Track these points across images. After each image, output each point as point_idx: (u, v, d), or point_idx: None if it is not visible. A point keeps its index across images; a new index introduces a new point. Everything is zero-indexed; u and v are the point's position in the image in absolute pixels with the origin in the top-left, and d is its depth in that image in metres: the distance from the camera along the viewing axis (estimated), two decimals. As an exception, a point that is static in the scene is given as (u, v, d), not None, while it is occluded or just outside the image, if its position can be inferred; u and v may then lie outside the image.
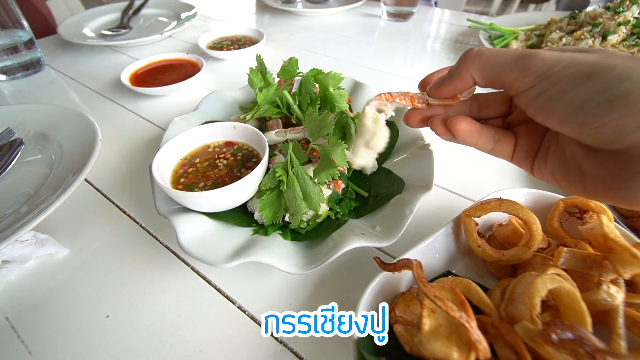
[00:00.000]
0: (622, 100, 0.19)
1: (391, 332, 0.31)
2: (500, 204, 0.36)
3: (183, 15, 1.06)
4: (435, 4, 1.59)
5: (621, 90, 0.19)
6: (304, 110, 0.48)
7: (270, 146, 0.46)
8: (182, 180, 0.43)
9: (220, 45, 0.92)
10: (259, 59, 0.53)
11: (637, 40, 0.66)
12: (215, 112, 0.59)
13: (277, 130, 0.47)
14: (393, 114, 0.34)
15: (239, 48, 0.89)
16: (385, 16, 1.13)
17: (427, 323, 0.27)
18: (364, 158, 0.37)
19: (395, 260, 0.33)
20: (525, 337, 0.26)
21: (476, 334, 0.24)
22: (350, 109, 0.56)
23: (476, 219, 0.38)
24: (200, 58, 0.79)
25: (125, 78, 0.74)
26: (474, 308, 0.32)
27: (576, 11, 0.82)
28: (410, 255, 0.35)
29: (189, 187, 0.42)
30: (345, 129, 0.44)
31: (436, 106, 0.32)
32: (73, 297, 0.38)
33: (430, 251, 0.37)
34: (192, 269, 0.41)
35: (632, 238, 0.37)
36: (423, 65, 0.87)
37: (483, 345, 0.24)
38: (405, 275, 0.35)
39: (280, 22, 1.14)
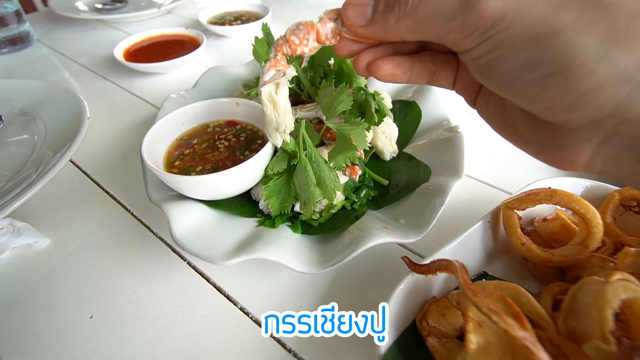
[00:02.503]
0: (558, 77, 0.17)
1: (422, 345, 0.26)
2: (551, 194, 0.31)
3: (182, -12, 0.98)
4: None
5: (559, 66, 0.17)
6: (316, 86, 0.42)
7: (277, 126, 0.40)
8: (177, 163, 0.37)
9: (223, 20, 0.85)
10: (265, 27, 0.47)
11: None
12: (215, 90, 0.53)
13: (285, 108, 0.41)
14: (294, 73, 0.28)
15: (243, 24, 0.82)
16: None
17: (473, 340, 0.22)
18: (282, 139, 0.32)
19: (427, 261, 0.28)
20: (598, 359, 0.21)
21: (544, 358, 0.19)
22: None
23: (519, 213, 0.33)
24: (200, 33, 0.73)
25: (118, 53, 0.68)
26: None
27: None
28: (442, 254, 0.30)
29: (185, 171, 0.36)
30: (364, 108, 0.39)
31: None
32: (53, 295, 0.34)
33: (463, 249, 0.32)
34: (189, 264, 0.36)
35: None
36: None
37: (551, 373, 0.19)
38: (437, 278, 0.30)
39: None
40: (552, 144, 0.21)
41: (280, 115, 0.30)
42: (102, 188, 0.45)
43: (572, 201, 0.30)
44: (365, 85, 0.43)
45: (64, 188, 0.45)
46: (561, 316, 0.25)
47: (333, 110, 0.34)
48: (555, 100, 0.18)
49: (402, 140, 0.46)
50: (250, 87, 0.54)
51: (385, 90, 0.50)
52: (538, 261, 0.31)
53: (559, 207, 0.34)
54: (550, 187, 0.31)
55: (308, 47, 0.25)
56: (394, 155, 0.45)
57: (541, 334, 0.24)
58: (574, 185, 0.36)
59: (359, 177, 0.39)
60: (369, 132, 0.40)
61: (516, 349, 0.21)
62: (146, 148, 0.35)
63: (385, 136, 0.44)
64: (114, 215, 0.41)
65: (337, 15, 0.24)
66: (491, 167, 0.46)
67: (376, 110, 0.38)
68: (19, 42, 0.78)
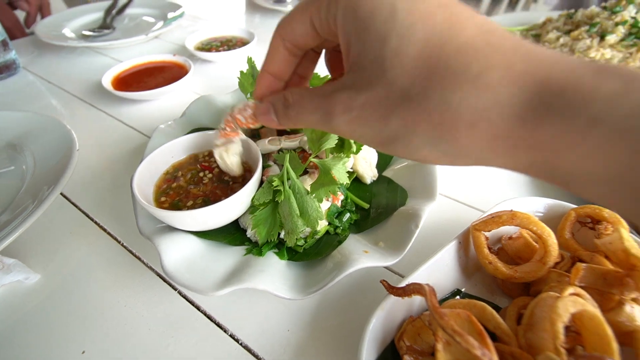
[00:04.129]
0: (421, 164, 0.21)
1: (400, 363, 0.28)
2: (512, 217, 0.34)
3: (170, 15, 1.01)
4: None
5: (415, 159, 0.20)
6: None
7: (263, 156, 0.42)
8: (163, 199, 0.39)
9: (209, 46, 0.88)
10: (250, 61, 0.50)
11: (635, 40, 0.65)
12: (203, 119, 0.56)
13: (270, 138, 0.44)
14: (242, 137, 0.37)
15: (229, 49, 0.85)
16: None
17: (442, 358, 0.25)
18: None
19: (404, 284, 0.30)
20: (550, 372, 0.24)
21: (501, 374, 0.22)
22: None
23: (486, 233, 0.36)
24: (187, 60, 0.75)
25: (107, 82, 0.69)
26: (489, 334, 0.29)
27: (573, 10, 0.81)
28: (417, 275, 0.32)
29: (176, 205, 0.38)
30: (344, 138, 0.41)
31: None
32: (44, 330, 0.34)
33: (438, 269, 0.35)
34: (180, 293, 0.37)
35: (649, 250, 0.35)
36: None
37: (508, 385, 0.22)
38: (415, 298, 0.32)
39: (272, 22, 1.10)
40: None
41: (229, 167, 0.39)
42: (92, 219, 0.46)
43: (530, 223, 0.33)
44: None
45: (53, 220, 0.45)
46: (521, 330, 0.28)
47: (318, 146, 0.37)
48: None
49: (382, 164, 0.49)
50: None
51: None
52: (504, 278, 0.34)
53: (521, 227, 0.37)
54: (511, 210, 0.35)
55: (252, 124, 0.30)
56: (374, 179, 0.48)
57: (504, 348, 0.27)
58: (536, 204, 0.40)
59: (342, 201, 0.42)
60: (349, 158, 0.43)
61: (479, 364, 0.24)
62: (137, 184, 0.36)
63: (365, 161, 0.47)
64: (104, 247, 0.42)
65: None
66: (465, 186, 0.50)
67: (355, 140, 0.42)
68: (4, 70, 0.78)
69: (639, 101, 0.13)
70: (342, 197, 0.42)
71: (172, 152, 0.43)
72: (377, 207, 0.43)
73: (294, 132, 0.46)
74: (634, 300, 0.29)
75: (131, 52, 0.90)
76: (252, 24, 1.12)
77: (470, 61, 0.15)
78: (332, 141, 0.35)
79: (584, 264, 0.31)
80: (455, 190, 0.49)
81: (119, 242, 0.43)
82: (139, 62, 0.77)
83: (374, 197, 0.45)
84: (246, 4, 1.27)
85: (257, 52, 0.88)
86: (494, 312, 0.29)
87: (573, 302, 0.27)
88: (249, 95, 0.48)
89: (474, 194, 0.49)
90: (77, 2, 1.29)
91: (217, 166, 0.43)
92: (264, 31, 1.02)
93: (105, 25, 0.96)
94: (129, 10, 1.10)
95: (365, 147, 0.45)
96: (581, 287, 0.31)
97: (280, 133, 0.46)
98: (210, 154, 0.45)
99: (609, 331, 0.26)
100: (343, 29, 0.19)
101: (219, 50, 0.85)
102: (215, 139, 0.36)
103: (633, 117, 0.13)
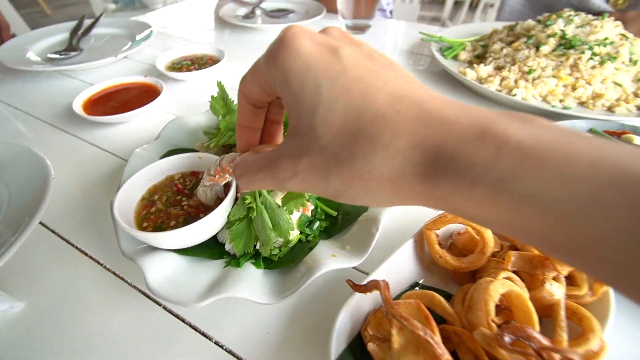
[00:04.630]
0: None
1: (366, 351, 0.33)
2: (455, 216, 0.39)
3: (138, 37, 1.02)
4: (390, 12, 1.66)
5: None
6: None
7: (237, 174, 0.46)
8: (145, 224, 0.42)
9: (180, 65, 0.90)
10: (220, 85, 0.53)
11: (564, 50, 0.74)
12: (178, 140, 0.58)
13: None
14: (229, 178, 0.39)
15: (200, 68, 0.88)
16: (344, 29, 1.17)
17: (396, 341, 0.29)
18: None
19: (367, 281, 0.35)
20: (482, 343, 0.29)
21: (439, 348, 0.26)
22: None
23: (437, 231, 0.41)
24: (159, 81, 0.77)
25: (78, 106, 0.70)
26: (440, 318, 0.34)
27: (514, 23, 0.90)
28: (379, 271, 0.37)
29: (159, 227, 0.41)
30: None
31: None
32: (33, 356, 0.36)
33: (397, 265, 0.40)
34: (164, 308, 0.40)
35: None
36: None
37: (446, 357, 0.27)
38: (377, 293, 0.37)
39: (241, 38, 1.13)
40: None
41: (208, 200, 0.43)
42: (73, 245, 0.47)
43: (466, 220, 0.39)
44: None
45: (33, 249, 0.47)
46: (464, 312, 0.33)
47: None
48: None
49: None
50: (211, 134, 0.59)
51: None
52: (453, 269, 0.39)
53: (465, 223, 0.43)
54: (455, 210, 0.40)
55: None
56: (341, 188, 0.52)
57: (449, 328, 0.32)
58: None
59: (312, 211, 0.46)
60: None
61: (425, 344, 0.28)
62: (118, 210, 0.39)
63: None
64: (87, 270, 0.44)
65: None
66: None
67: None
68: (-34, 98, 0.77)
69: (506, 166, 0.16)
70: (312, 207, 0.46)
71: (149, 176, 0.46)
72: (344, 214, 0.47)
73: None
74: (554, 279, 0.35)
75: (100, 73, 0.91)
76: (221, 40, 1.15)
77: (382, 130, 0.19)
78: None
79: (515, 252, 0.37)
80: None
81: (101, 264, 0.45)
82: (110, 85, 0.78)
83: (341, 205, 0.49)
84: (215, 21, 1.30)
85: (228, 69, 0.92)
86: (442, 298, 0.34)
87: (502, 285, 0.33)
88: (220, 117, 0.52)
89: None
90: (36, 16, 1.26)
91: (191, 188, 0.46)
92: (234, 47, 1.05)
93: (71, 48, 0.95)
94: (95, 30, 1.09)
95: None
96: (513, 271, 0.37)
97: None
98: (184, 175, 0.48)
99: (530, 306, 0.32)
100: (282, 98, 0.23)
101: (190, 70, 0.87)
102: (204, 180, 0.39)
103: (501, 179, 0.16)
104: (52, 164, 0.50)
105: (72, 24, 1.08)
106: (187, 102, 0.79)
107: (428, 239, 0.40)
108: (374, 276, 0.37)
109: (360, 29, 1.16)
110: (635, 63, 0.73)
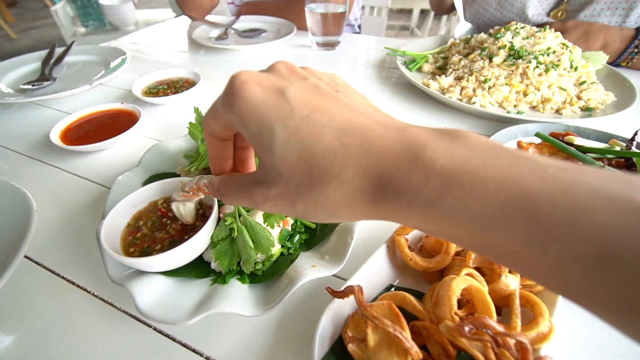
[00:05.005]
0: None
1: (347, 352, 0.36)
2: (421, 221, 0.44)
3: (113, 64, 1.03)
4: (359, 27, 1.74)
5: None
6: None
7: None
8: (132, 250, 0.43)
9: (157, 90, 0.92)
10: (196, 111, 0.56)
11: (513, 60, 0.82)
12: (159, 165, 0.60)
13: (223, 179, 0.50)
14: (202, 196, 0.41)
15: (177, 92, 0.90)
16: (315, 46, 1.23)
17: (372, 339, 0.32)
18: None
19: (342, 288, 0.38)
20: (447, 334, 0.33)
21: (407, 342, 0.30)
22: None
23: (406, 236, 0.45)
24: (136, 107, 0.79)
25: (55, 137, 0.70)
26: (412, 315, 0.38)
27: (469, 36, 0.98)
28: (356, 277, 0.41)
29: (145, 252, 0.43)
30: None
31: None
32: (26, 388, 0.37)
33: (372, 270, 0.43)
34: (155, 329, 0.41)
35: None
36: (354, 92, 0.96)
37: (414, 350, 0.30)
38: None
39: (216, 60, 1.17)
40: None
41: (183, 216, 0.44)
42: (59, 275, 0.48)
43: (433, 224, 0.43)
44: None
45: (19, 283, 0.47)
46: (432, 307, 0.37)
47: None
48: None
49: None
50: (191, 157, 0.62)
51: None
52: (422, 269, 0.43)
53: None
54: (420, 215, 0.44)
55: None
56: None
57: (419, 324, 0.36)
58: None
59: (292, 225, 0.49)
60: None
61: (395, 339, 0.32)
62: (104, 238, 0.41)
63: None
64: (75, 299, 0.45)
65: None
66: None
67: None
68: None
69: (432, 189, 0.20)
70: (291, 222, 0.49)
71: (133, 202, 0.48)
72: (322, 226, 0.51)
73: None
74: (510, 271, 0.40)
75: (76, 102, 0.91)
76: (196, 62, 1.17)
77: (332, 163, 0.22)
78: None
79: (474, 249, 0.42)
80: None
81: (89, 292, 0.46)
82: (86, 113, 0.79)
83: (320, 217, 0.53)
84: (188, 43, 1.33)
85: (205, 92, 0.95)
86: (412, 297, 0.38)
87: (463, 280, 0.37)
88: (200, 141, 0.54)
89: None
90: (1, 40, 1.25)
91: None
92: (209, 69, 1.08)
93: (44, 77, 0.95)
94: (68, 58, 1.09)
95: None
96: (475, 267, 0.41)
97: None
98: (167, 200, 0.50)
99: (488, 298, 0.36)
100: (244, 136, 0.26)
101: (167, 94, 0.89)
102: (176, 195, 0.41)
103: (429, 201, 0.20)
104: (33, 196, 0.51)
105: (42, 53, 1.07)
106: (166, 127, 0.81)
107: (398, 244, 0.44)
108: (351, 282, 0.40)
109: (331, 45, 1.22)
110: (575, 69, 0.81)
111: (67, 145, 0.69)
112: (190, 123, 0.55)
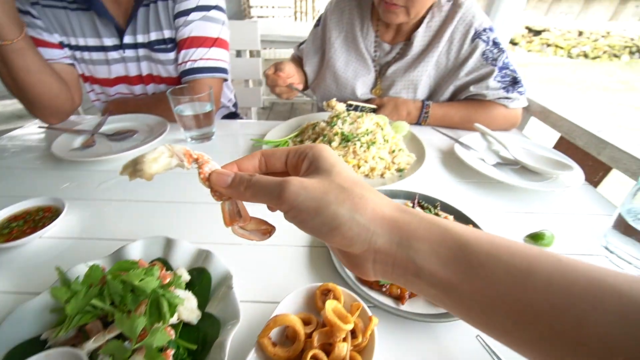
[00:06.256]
0: (337, 230, 0.32)
1: None
2: (275, 321, 0.56)
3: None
4: (234, 105, 1.88)
5: (334, 225, 0.32)
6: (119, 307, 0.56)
7: (92, 355, 0.51)
8: None
9: (10, 229, 0.85)
10: (59, 270, 0.58)
11: (345, 143, 1.08)
12: (20, 333, 0.58)
13: (95, 336, 0.53)
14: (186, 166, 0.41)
15: (36, 225, 0.85)
16: (190, 140, 1.32)
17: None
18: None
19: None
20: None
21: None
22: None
23: (273, 331, 0.57)
24: (-16, 262, 0.72)
25: None
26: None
27: (316, 122, 1.24)
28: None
29: None
30: (159, 309, 0.56)
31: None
32: None
33: (247, 374, 0.53)
34: None
35: (355, 298, 0.64)
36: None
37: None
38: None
39: (82, 173, 1.05)
40: (355, 263, 0.35)
41: (152, 167, 0.39)
42: None
43: (284, 320, 0.56)
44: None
45: None
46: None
47: (134, 336, 0.50)
48: (341, 241, 0.32)
49: (203, 303, 0.65)
50: (57, 311, 0.61)
51: (181, 266, 0.70)
52: (287, 359, 0.55)
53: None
54: (274, 316, 0.57)
55: (204, 178, 0.40)
56: (200, 317, 0.63)
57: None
58: (298, 293, 0.64)
59: (173, 355, 0.55)
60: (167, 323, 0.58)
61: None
62: None
63: (186, 310, 0.62)
64: None
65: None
66: (260, 285, 0.72)
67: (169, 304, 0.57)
68: None
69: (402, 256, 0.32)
70: (172, 352, 0.55)
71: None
72: (202, 344, 0.58)
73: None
74: (341, 340, 0.55)
75: None
76: (60, 181, 1.03)
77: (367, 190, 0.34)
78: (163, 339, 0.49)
79: (317, 331, 0.56)
80: (254, 293, 0.70)
81: None
82: None
83: (200, 334, 0.60)
84: (42, 158, 1.14)
85: (73, 215, 0.89)
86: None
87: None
88: (64, 303, 0.56)
89: (270, 291, 0.71)
90: None
91: None
92: (74, 186, 0.99)
93: None
94: None
95: (183, 296, 0.61)
96: (322, 344, 0.56)
97: (105, 326, 0.56)
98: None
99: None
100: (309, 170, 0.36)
101: (25, 233, 0.82)
102: (178, 153, 0.43)
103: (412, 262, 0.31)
104: None
105: None
106: (28, 275, 0.75)
107: (262, 346, 0.55)
108: (225, 398, 0.49)
109: (207, 138, 1.33)
110: (387, 141, 1.13)
111: None
112: (52, 289, 0.56)
